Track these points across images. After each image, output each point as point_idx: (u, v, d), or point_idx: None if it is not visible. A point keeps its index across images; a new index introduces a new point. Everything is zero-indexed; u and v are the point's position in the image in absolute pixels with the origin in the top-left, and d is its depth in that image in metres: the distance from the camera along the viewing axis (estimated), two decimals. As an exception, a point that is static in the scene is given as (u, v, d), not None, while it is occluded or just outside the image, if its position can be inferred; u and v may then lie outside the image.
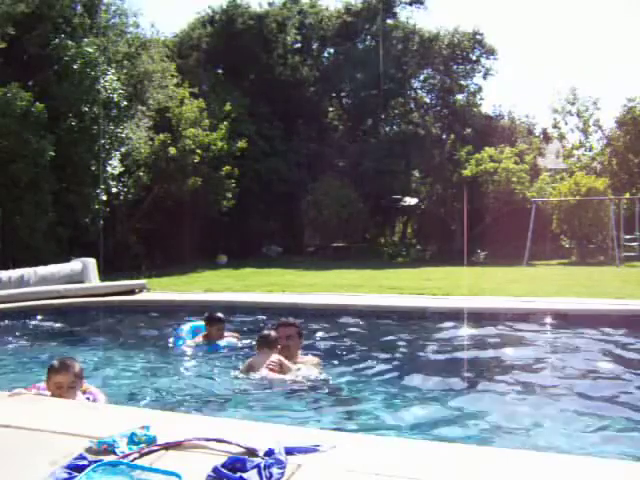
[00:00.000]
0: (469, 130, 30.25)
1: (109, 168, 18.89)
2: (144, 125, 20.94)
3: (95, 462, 2.44)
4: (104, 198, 18.62)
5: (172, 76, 22.26)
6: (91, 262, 12.36)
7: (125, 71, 20.32)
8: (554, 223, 24.29)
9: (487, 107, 43.51)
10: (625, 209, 23.49)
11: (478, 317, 7.93)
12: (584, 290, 11.19)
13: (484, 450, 3.11)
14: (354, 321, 8.17)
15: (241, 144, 23.41)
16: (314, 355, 5.85)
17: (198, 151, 21.33)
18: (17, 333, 7.89)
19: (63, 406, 3.72)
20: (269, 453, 2.52)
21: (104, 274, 13.13)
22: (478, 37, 31.25)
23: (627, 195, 24.49)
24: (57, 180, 17.48)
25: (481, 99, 32.53)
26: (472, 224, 27.20)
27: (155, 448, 2.67)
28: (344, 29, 31.41)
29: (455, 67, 31.80)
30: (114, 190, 19.23)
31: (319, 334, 7.34)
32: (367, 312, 8.55)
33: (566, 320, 7.58)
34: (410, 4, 32.25)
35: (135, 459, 2.57)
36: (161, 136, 20.75)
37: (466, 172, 26.32)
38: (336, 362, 5.87)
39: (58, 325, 8.60)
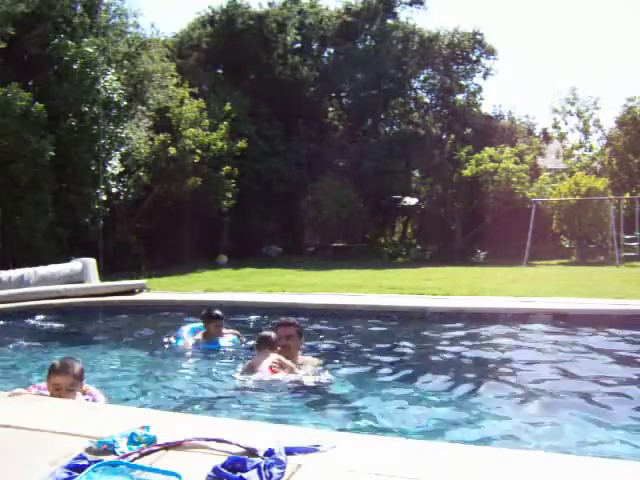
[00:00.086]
0: (469, 130, 30.26)
1: (109, 168, 18.90)
2: (144, 125, 20.95)
3: (95, 462, 2.44)
4: (104, 198, 18.63)
5: (172, 76, 22.26)
6: (91, 262, 12.36)
7: (125, 71, 20.33)
8: (554, 223, 24.30)
9: (487, 107, 43.59)
10: (625, 209, 23.50)
11: (478, 317, 7.93)
12: (584, 290, 11.19)
13: (484, 450, 3.10)
14: (354, 321, 8.17)
15: (241, 144, 23.41)
16: (314, 356, 5.85)
17: (198, 151, 21.33)
18: (17, 333, 7.89)
19: (63, 406, 3.72)
20: (269, 453, 2.52)
21: (104, 274, 13.13)
22: (478, 37, 31.25)
23: (627, 195, 24.50)
24: (57, 180, 17.49)
25: (481, 99, 32.59)
26: (472, 224, 27.25)
27: (155, 448, 2.67)
28: (344, 29, 31.41)
29: (455, 67, 31.80)
30: (114, 190, 19.25)
31: (319, 334, 7.34)
32: (367, 312, 8.55)
33: (566, 320, 7.58)
34: (410, 4, 32.26)
35: (135, 459, 2.56)
36: (161, 136, 20.76)
37: (466, 172, 26.33)
38: (336, 362, 5.86)
39: (58, 325, 8.60)
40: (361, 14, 31.50)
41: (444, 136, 31.18)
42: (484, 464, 2.61)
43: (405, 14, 32.39)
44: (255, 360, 5.31)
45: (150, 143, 20.74)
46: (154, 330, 8.13)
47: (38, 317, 8.82)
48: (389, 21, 31.89)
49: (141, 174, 20.50)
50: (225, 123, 22.59)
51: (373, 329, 7.87)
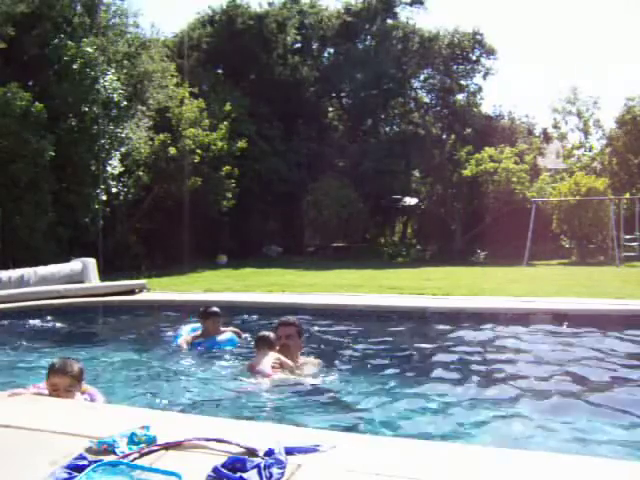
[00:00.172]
0: (469, 130, 30.27)
1: (109, 168, 18.90)
2: (144, 125, 20.95)
3: (95, 462, 2.44)
4: (104, 198, 18.63)
5: (172, 76, 22.27)
6: (91, 262, 12.36)
7: (125, 71, 20.33)
8: (554, 223, 24.30)
9: (487, 107, 43.62)
10: (625, 209, 23.51)
11: (478, 317, 7.93)
12: (584, 290, 11.18)
13: (484, 450, 3.10)
14: (354, 321, 8.17)
15: (241, 144, 23.41)
16: (314, 356, 5.85)
17: (198, 151, 21.33)
18: (17, 333, 7.89)
19: (63, 406, 3.72)
20: (269, 453, 2.52)
21: (104, 274, 13.13)
22: (478, 37, 31.26)
23: (627, 195, 24.51)
24: (57, 180, 17.49)
25: (481, 99, 32.64)
26: (472, 224, 27.26)
27: (155, 448, 2.67)
28: (344, 29, 31.42)
29: (455, 67, 31.82)
30: (114, 190, 19.25)
31: (319, 334, 7.34)
32: (367, 312, 8.55)
33: (566, 320, 7.58)
34: (410, 4, 32.27)
35: (135, 459, 2.56)
36: (161, 136, 20.76)
37: (466, 172, 26.34)
38: (336, 362, 5.86)
39: (58, 325, 8.59)
40: (361, 14, 31.51)
41: (444, 136, 31.20)
42: (484, 464, 2.60)
43: (405, 14, 32.49)
44: (255, 360, 5.31)
45: (150, 143, 20.74)
46: (154, 330, 8.13)
47: (38, 317, 8.81)
48: (389, 21, 31.90)
49: (141, 174, 20.51)
50: (225, 123, 22.58)
51: (373, 329, 7.87)
